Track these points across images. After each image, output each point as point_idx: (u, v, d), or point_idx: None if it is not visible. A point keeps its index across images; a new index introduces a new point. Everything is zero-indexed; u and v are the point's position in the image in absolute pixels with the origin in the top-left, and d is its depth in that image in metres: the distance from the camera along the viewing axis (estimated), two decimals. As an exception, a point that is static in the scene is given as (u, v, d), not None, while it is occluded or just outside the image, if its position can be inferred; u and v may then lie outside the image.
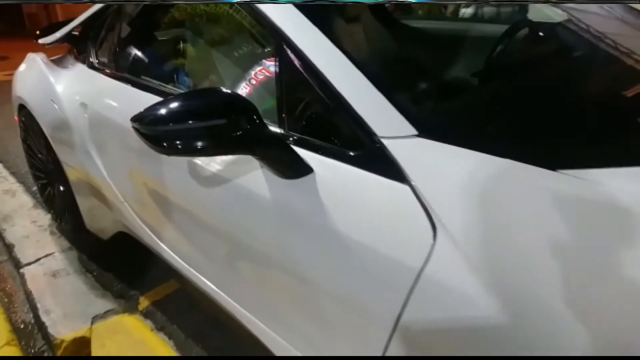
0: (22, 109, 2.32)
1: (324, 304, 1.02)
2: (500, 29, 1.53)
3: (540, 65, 1.32)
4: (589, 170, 0.76)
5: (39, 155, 2.41)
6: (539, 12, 1.76)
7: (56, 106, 1.97)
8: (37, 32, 2.66)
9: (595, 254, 0.67)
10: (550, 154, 0.80)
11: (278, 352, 1.21)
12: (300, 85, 1.06)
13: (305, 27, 1.10)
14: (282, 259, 1.07)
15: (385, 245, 0.84)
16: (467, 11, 2.21)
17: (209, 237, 1.34)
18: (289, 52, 1.09)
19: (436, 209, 0.80)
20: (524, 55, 1.43)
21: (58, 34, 2.39)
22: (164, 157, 1.38)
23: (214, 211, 1.25)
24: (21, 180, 3.19)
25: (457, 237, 0.76)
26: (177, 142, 0.94)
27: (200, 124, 0.93)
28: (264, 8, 1.18)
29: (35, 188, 2.99)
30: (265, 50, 1.42)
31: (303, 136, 1.05)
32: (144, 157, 1.52)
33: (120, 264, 2.18)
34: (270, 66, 1.34)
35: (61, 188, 2.25)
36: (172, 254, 1.56)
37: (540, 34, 1.52)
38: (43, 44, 2.47)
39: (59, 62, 2.29)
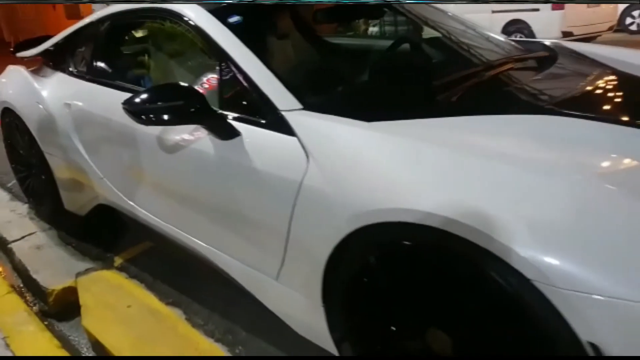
0: (6, 112, 2.77)
1: (245, 227, 1.60)
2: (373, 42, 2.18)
3: (391, 63, 1.97)
4: (388, 122, 1.37)
5: (21, 151, 2.85)
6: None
7: (41, 107, 2.45)
8: (11, 49, 3.16)
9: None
10: (367, 113, 1.39)
11: (223, 265, 1.75)
12: (233, 81, 1.65)
13: (236, 44, 1.70)
14: (221, 195, 1.64)
15: (281, 170, 1.41)
16: (373, 30, 2.86)
17: (172, 190, 1.89)
18: (226, 60, 1.67)
19: (310, 148, 1.38)
20: (384, 59, 2.08)
21: (35, 50, 2.89)
22: (137, 136, 1.92)
23: (176, 168, 1.80)
24: (-5, 181, 3.58)
25: (315, 157, 1.34)
26: (152, 116, 1.51)
27: (167, 104, 1.50)
28: (209, 31, 1.76)
29: (10, 185, 3.41)
30: (209, 61, 1.96)
31: (234, 113, 1.62)
32: (120, 140, 2.04)
33: (95, 237, 2.64)
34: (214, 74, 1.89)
35: (42, 177, 2.70)
36: (146, 212, 2.07)
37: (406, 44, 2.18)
38: (22, 57, 2.96)
39: (37, 72, 2.77)
